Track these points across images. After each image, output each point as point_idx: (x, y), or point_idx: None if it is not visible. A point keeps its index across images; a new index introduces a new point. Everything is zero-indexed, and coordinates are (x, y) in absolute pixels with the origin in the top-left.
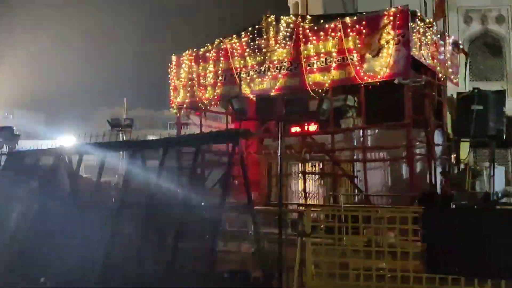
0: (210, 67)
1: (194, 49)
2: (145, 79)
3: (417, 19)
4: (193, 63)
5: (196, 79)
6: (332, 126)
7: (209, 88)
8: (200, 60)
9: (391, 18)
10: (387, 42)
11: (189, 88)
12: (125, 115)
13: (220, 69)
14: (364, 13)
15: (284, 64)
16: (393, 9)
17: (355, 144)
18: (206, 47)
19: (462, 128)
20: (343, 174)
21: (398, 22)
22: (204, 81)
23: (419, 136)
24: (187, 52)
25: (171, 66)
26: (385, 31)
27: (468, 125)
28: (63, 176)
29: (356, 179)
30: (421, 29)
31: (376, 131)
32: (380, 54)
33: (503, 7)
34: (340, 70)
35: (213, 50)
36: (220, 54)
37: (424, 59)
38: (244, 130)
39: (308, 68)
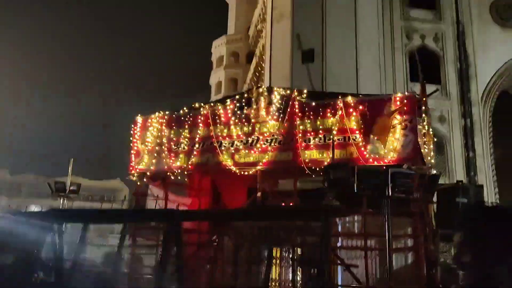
0: (185, 133)
1: (167, 112)
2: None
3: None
4: (164, 127)
5: (166, 144)
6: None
7: (181, 155)
8: (173, 124)
9: (398, 103)
10: (394, 127)
11: (155, 154)
12: (69, 181)
13: (197, 136)
14: (361, 95)
15: (276, 137)
16: (399, 94)
17: (339, 229)
18: (182, 111)
19: (445, 220)
20: (340, 262)
21: (405, 108)
22: (176, 148)
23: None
24: (157, 114)
25: (135, 128)
26: (391, 115)
27: (451, 217)
28: None
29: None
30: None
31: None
32: (386, 138)
33: None
34: (341, 149)
35: (191, 114)
36: (199, 120)
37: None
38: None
39: (304, 144)
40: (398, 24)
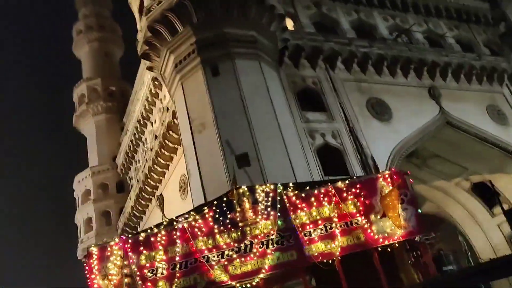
0: (160, 255)
1: (129, 235)
2: None
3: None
4: (130, 253)
5: (138, 273)
6: None
7: (161, 283)
8: (143, 248)
9: (388, 179)
10: (391, 203)
11: None
12: None
13: (176, 255)
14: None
15: (272, 237)
16: (387, 172)
17: None
18: (150, 230)
19: None
20: None
21: (397, 183)
22: (152, 275)
23: None
24: (117, 239)
25: (91, 261)
26: (386, 192)
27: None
28: None
29: None
30: None
31: None
32: (387, 215)
33: None
34: (347, 235)
35: (163, 233)
36: (175, 236)
37: None
38: None
39: (305, 238)
40: (301, 126)
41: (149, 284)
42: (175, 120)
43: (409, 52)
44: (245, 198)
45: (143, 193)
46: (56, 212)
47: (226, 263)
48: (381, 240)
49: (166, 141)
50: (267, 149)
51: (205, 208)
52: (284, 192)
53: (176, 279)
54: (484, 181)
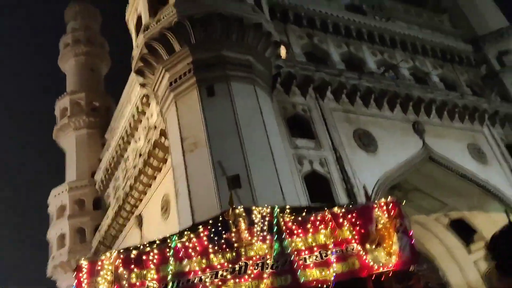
0: (151, 274)
1: (121, 250)
2: None
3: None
4: (121, 269)
5: None
6: None
7: None
8: (134, 265)
9: (384, 208)
10: (386, 232)
11: None
12: None
13: (169, 273)
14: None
15: (268, 261)
16: (383, 200)
17: None
18: (142, 247)
19: None
20: None
21: (392, 212)
22: None
23: None
24: (109, 254)
25: (80, 275)
26: (381, 221)
27: None
28: None
29: None
30: None
31: None
32: (382, 244)
33: None
34: (342, 262)
35: (155, 251)
36: (168, 254)
37: None
38: None
39: (301, 263)
40: (290, 151)
41: None
42: (162, 138)
43: (396, 87)
44: (241, 219)
45: (122, 211)
46: (27, 226)
47: (220, 283)
48: (375, 267)
49: (151, 160)
50: (259, 172)
51: (200, 227)
52: (281, 215)
53: None
54: (462, 218)
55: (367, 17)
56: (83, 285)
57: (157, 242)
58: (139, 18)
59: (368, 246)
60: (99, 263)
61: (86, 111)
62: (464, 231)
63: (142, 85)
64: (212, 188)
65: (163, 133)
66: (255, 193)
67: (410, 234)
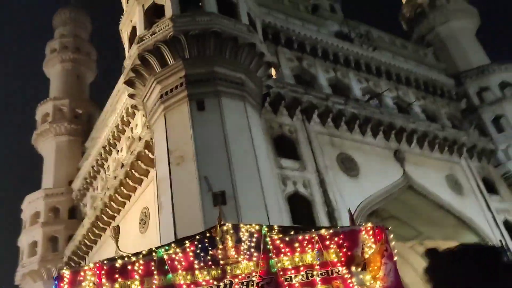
0: (135, 285)
1: (105, 260)
2: None
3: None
4: (104, 280)
5: None
6: None
7: None
8: (118, 275)
9: (370, 232)
10: (372, 256)
11: None
12: None
13: (153, 286)
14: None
15: (253, 279)
16: (370, 224)
17: None
18: (127, 258)
19: None
20: None
21: (378, 237)
22: None
23: None
24: (91, 265)
25: (61, 285)
26: (367, 245)
27: None
28: None
29: None
30: None
31: None
32: (367, 268)
33: None
34: (327, 284)
35: (141, 262)
36: (152, 267)
37: None
38: None
39: (286, 283)
40: (275, 171)
41: None
42: (146, 150)
43: (380, 115)
44: (228, 236)
45: (98, 221)
46: None
47: None
48: None
49: (133, 171)
50: (245, 190)
51: (187, 242)
52: (269, 234)
53: None
54: (437, 247)
55: (354, 45)
56: None
57: (143, 253)
58: (133, 29)
59: (353, 269)
60: (82, 273)
61: (68, 118)
62: None
63: (131, 96)
64: (197, 203)
65: (148, 145)
66: (240, 211)
67: (394, 259)
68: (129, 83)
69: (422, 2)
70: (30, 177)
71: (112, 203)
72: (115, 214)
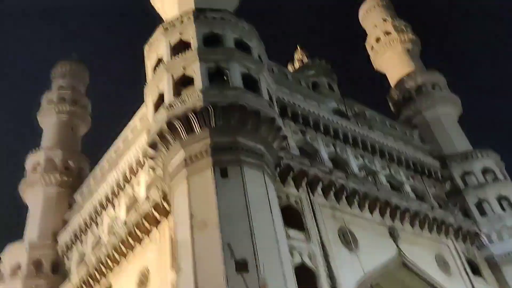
0: None
1: None
2: None
3: None
4: None
5: None
6: None
7: None
8: None
9: None
10: None
11: None
12: None
13: None
14: None
15: None
16: None
17: None
18: None
19: None
20: None
21: None
22: None
23: None
24: None
25: None
26: None
27: None
28: None
29: None
30: None
31: None
32: None
33: None
34: None
35: None
36: None
37: None
38: None
39: None
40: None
41: None
42: (154, 210)
43: (377, 192)
44: None
45: (89, 278)
46: None
47: None
48: None
49: (136, 230)
50: (266, 258)
51: None
52: None
53: None
54: None
55: (351, 122)
56: None
57: None
58: (160, 95)
59: None
60: None
61: (60, 169)
62: None
63: (151, 158)
64: (220, 270)
65: (156, 206)
66: (260, 280)
67: None
68: (152, 145)
69: (409, 88)
70: (10, 225)
71: (107, 259)
72: (108, 272)
